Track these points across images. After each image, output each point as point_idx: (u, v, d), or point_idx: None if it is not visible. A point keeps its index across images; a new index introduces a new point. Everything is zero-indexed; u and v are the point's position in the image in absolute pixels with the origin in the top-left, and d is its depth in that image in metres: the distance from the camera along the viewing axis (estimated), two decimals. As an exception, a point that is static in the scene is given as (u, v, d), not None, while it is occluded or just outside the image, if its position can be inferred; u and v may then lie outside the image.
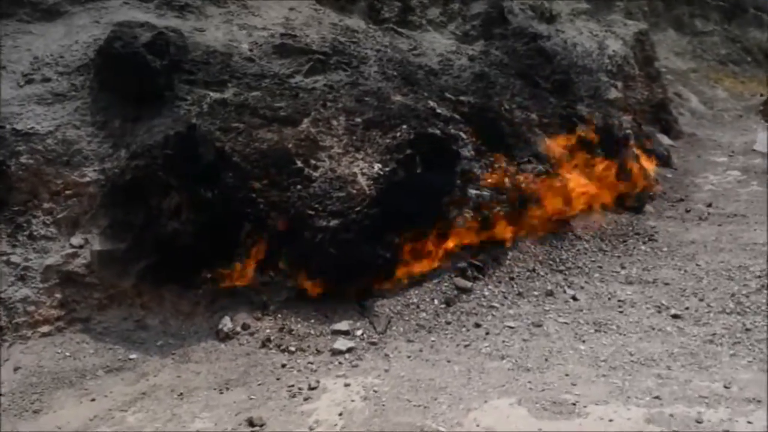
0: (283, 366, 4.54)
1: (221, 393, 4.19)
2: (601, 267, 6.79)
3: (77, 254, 4.71)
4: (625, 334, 5.05)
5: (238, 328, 4.86)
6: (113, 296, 4.77)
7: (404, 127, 6.43)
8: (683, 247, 7.32)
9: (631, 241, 7.59)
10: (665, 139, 12.81)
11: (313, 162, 5.80)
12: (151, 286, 4.85)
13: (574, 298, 5.93)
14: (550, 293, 6.02)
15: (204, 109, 5.84)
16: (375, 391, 4.16)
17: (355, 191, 5.55)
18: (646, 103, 13.28)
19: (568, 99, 10.04)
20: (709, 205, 8.89)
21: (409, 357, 4.73)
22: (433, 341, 5.01)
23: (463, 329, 5.23)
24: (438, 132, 6.53)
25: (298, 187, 5.48)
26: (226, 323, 4.83)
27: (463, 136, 7.07)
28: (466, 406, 3.93)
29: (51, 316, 4.52)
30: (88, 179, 4.91)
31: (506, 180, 6.88)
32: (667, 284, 6.16)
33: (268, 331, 4.89)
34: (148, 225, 4.80)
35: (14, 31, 5.90)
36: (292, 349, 4.74)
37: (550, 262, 6.70)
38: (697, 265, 6.66)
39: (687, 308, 5.51)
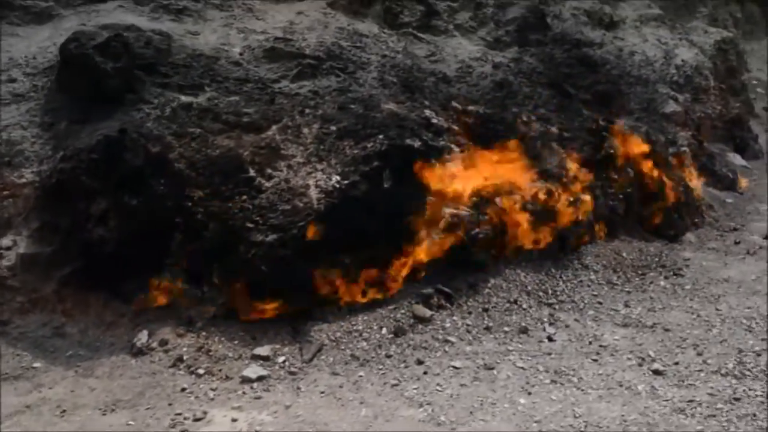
0: (183, 390, 4.23)
1: (104, 414, 3.94)
2: (601, 303, 5.95)
3: (2, 255, 4.67)
4: (583, 390, 4.28)
5: (155, 344, 4.61)
6: (36, 300, 4.68)
7: (380, 137, 5.95)
8: (711, 286, 6.29)
9: (652, 275, 6.65)
10: (738, 159, 11.41)
11: (268, 171, 5.47)
12: (75, 293, 4.73)
13: (550, 339, 5.18)
14: (524, 330, 5.30)
15: (165, 113, 5.68)
16: None
17: (302, 205, 5.16)
18: (718, 119, 11.90)
19: (609, 111, 9.14)
20: (767, 238, 7.69)
21: (322, 393, 4.25)
22: (360, 377, 4.49)
23: (402, 365, 4.67)
24: (417, 144, 5.99)
25: (244, 197, 5.16)
26: (141, 338, 4.61)
27: (455, 148, 6.48)
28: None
29: (-31, 317, 4.52)
30: (24, 180, 4.88)
31: (496, 199, 6.20)
32: (667, 330, 5.25)
33: (185, 349, 4.61)
34: (74, 230, 4.69)
35: (2, 34, 6.06)
36: (201, 371, 4.42)
37: (540, 294, 5.95)
38: (717, 309, 5.67)
39: (676, 363, 4.62)
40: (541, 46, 9.86)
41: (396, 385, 4.38)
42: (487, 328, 5.29)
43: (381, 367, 4.63)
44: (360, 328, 5.04)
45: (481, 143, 6.75)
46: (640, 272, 6.70)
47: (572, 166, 7.19)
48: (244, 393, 4.21)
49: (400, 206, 5.48)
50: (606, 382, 4.36)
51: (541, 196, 6.42)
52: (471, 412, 3.96)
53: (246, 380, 4.34)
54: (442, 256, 5.66)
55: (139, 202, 4.69)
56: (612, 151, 7.77)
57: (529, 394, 4.23)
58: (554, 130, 7.81)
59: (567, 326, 5.45)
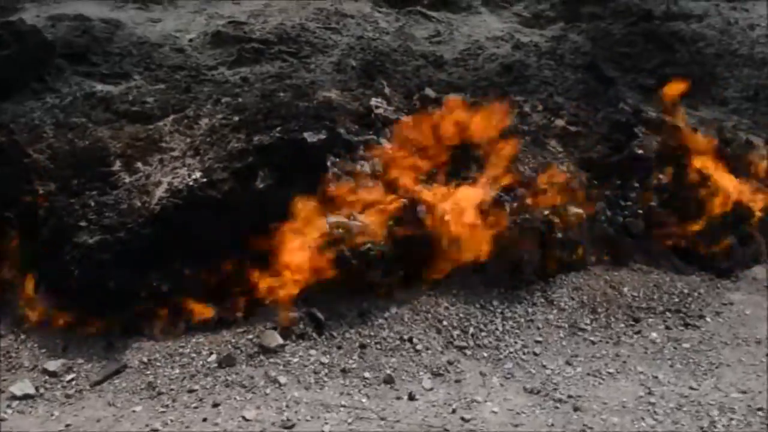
0: (-55, 401, 3.91)
1: None
2: (535, 354, 4.47)
3: None
4: (355, 481, 3.05)
5: (-29, 345, 4.38)
6: None
7: (278, 129, 5.08)
8: (725, 349, 4.59)
9: (650, 322, 4.94)
10: None
11: (137, 165, 4.94)
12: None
13: (411, 397, 3.92)
14: (389, 380, 4.10)
15: (64, 102, 5.50)
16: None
17: (139, 204, 4.54)
18: None
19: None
20: None
21: (67, 426, 3.62)
22: (131, 413, 3.76)
23: (192, 405, 3.82)
24: (318, 138, 4.99)
25: (94, 192, 4.71)
26: (-46, 337, 4.40)
27: (385, 143, 5.32)
28: None
29: None
30: None
31: (419, 210, 4.94)
32: (577, 410, 3.69)
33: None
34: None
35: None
36: (-18, 381, 4.07)
37: (456, 333, 4.63)
38: (690, 387, 3.94)
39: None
40: (596, 21, 8.03)
41: (156, 431, 3.57)
42: (344, 371, 4.18)
43: (168, 404, 3.84)
44: (186, 351, 4.29)
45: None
46: (633, 316, 4.92)
47: (560, 171, 5.52)
48: (-6, 413, 3.76)
49: (263, 211, 4.57)
50: (398, 475, 3.08)
51: (484, 207, 4.97)
52: (176, 487, 3.02)
53: (13, 397, 3.88)
54: (321, 274, 4.62)
55: (-35, 196, 4.50)
56: (640, 151, 5.87)
57: (282, 474, 3.13)
58: (560, 123, 6.15)
59: (457, 381, 4.11)
